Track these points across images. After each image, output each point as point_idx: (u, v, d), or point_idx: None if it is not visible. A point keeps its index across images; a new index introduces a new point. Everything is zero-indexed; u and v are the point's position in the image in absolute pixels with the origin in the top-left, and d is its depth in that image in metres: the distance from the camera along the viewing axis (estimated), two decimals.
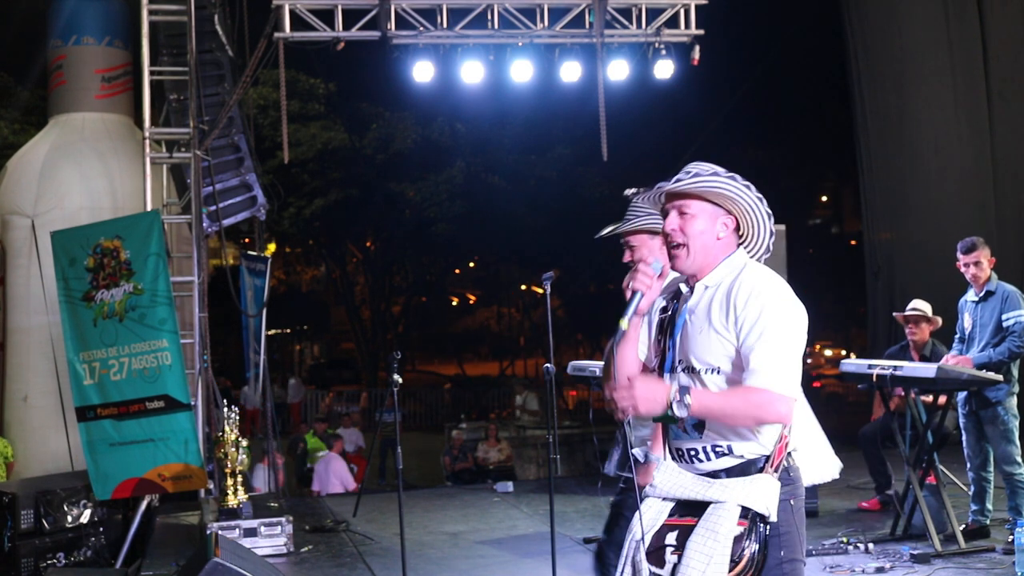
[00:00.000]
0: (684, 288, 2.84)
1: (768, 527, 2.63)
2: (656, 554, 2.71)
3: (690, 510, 2.72)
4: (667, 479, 2.79)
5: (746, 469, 2.68)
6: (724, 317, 2.68)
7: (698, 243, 2.75)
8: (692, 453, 2.76)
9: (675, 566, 2.65)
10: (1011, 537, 5.54)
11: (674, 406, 2.59)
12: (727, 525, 2.60)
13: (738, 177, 2.73)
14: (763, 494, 2.63)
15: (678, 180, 2.74)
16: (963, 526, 6.20)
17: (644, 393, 2.61)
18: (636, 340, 2.83)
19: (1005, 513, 6.27)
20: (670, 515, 2.76)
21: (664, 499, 2.79)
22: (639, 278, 2.76)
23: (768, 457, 2.68)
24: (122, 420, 7.36)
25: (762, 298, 2.66)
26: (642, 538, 2.73)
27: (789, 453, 2.72)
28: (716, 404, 2.64)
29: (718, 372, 2.70)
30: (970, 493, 6.52)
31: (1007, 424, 6.15)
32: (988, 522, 6.34)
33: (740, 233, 2.81)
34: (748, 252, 2.83)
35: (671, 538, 2.70)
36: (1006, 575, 5.49)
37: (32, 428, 9.47)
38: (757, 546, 2.61)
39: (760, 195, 2.76)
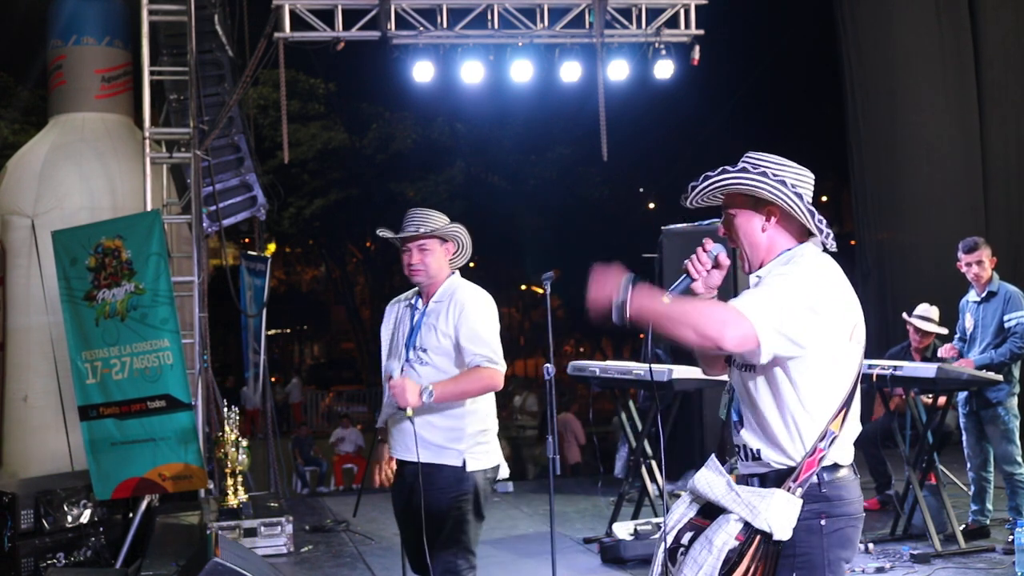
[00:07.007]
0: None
1: (776, 545, 2.54)
2: (672, 552, 2.67)
3: (712, 513, 2.65)
4: (704, 477, 2.70)
5: (773, 480, 2.59)
6: None
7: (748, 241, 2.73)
8: (738, 451, 2.71)
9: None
10: (1011, 537, 5.54)
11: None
12: (722, 537, 2.55)
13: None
14: (773, 512, 2.52)
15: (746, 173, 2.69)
16: (963, 526, 6.20)
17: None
18: None
19: (1005, 513, 6.27)
20: (696, 514, 2.70)
21: (697, 496, 2.72)
22: (693, 262, 2.71)
23: (793, 470, 2.57)
24: (124, 419, 7.36)
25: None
26: (664, 536, 2.69)
27: (828, 468, 2.58)
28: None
29: None
30: (970, 493, 6.52)
31: (1008, 424, 6.16)
32: (988, 522, 6.35)
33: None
34: None
35: (686, 538, 2.66)
36: (1006, 575, 5.50)
37: (32, 428, 9.46)
38: (754, 564, 2.52)
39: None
